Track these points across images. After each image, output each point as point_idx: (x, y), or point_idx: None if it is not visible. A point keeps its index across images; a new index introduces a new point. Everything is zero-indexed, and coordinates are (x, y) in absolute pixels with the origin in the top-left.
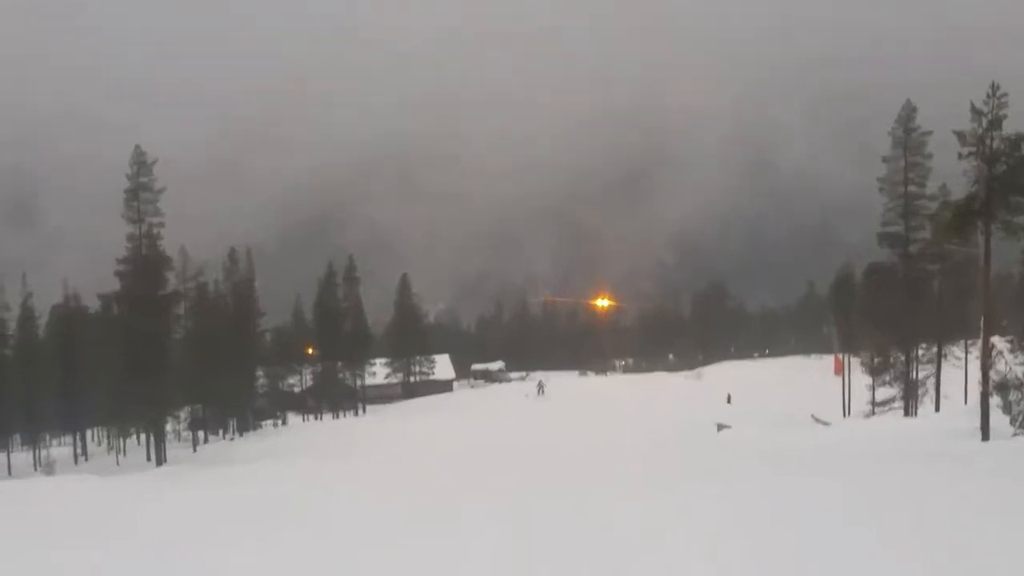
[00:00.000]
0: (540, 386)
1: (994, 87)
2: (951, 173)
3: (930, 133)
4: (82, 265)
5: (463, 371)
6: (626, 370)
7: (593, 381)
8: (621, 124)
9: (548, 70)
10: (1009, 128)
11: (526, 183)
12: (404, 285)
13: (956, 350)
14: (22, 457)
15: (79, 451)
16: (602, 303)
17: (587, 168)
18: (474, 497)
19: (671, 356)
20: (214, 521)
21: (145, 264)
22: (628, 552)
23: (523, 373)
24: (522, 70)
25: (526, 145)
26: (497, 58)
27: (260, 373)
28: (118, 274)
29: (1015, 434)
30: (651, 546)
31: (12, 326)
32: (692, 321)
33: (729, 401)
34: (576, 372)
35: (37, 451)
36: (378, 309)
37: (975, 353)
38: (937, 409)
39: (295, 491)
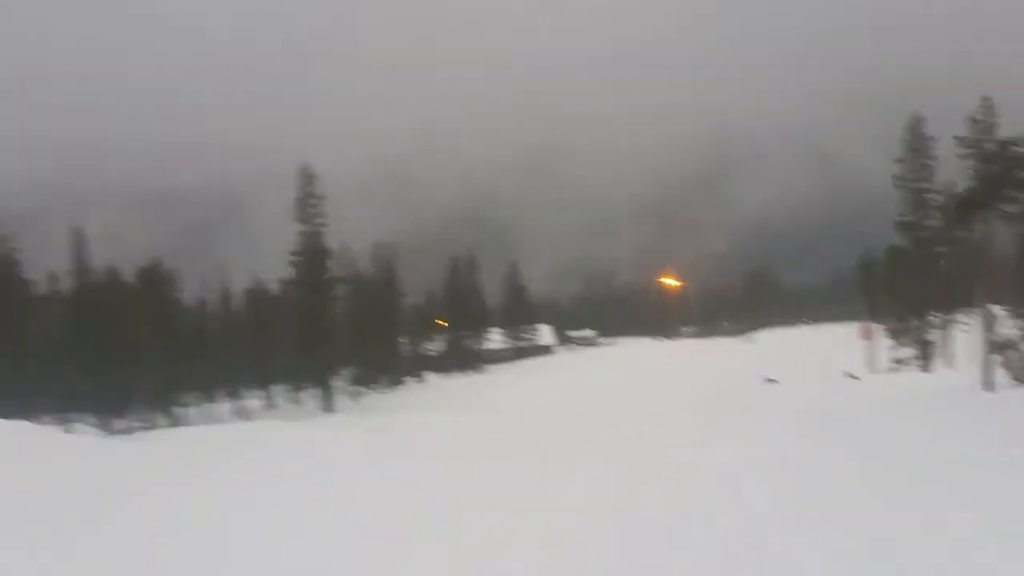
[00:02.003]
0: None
1: (986, 101)
2: (958, 167)
3: (933, 139)
4: (266, 257)
5: (561, 338)
6: (690, 336)
7: (664, 344)
8: (701, 146)
9: (639, 92)
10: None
11: (615, 187)
12: (514, 270)
13: (962, 317)
14: (225, 407)
15: (268, 402)
16: (670, 282)
17: (669, 174)
18: (570, 432)
19: (726, 324)
20: (369, 455)
21: (312, 255)
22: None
23: (608, 338)
24: (620, 89)
25: (616, 155)
26: (593, 80)
27: (404, 340)
28: (292, 264)
29: (1012, 385)
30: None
31: (214, 307)
32: (743, 296)
33: (768, 382)
34: (649, 338)
35: (235, 401)
36: (495, 287)
37: (979, 320)
38: (948, 365)
39: (429, 436)
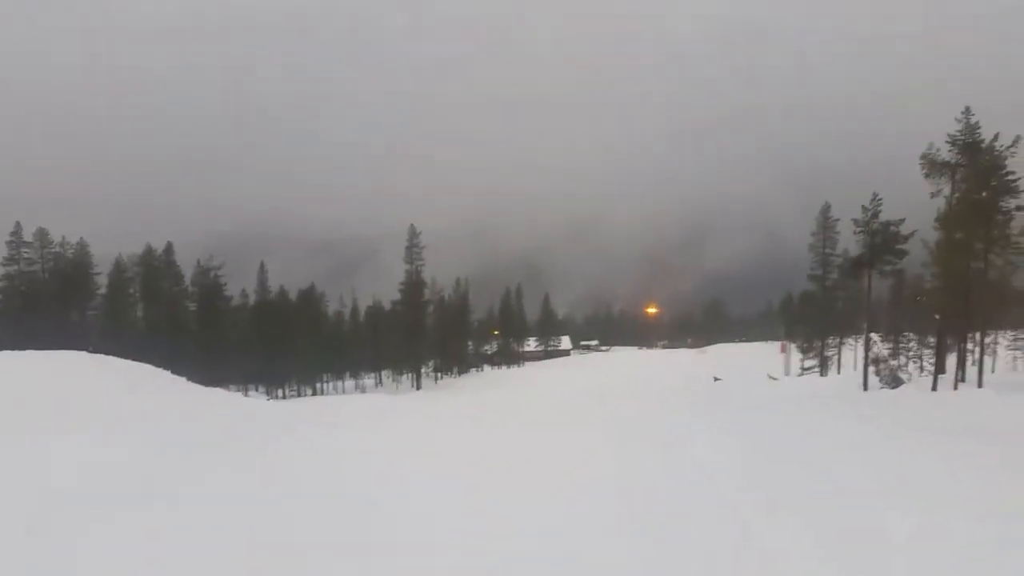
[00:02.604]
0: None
1: (875, 196)
2: (851, 238)
3: (838, 220)
4: (383, 286)
5: (576, 344)
6: (664, 347)
7: (644, 352)
8: (681, 216)
9: (641, 181)
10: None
11: (618, 243)
12: (546, 299)
13: (850, 340)
14: (349, 383)
15: (377, 381)
16: (651, 309)
17: (657, 235)
18: (573, 399)
19: (689, 339)
20: (445, 415)
21: (412, 285)
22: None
23: (607, 347)
24: (628, 178)
25: (621, 221)
26: (610, 171)
27: (470, 343)
28: (399, 290)
29: (881, 387)
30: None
31: (347, 317)
32: (701, 320)
33: (716, 380)
34: (636, 347)
35: (356, 380)
36: (534, 309)
37: (861, 342)
38: (838, 372)
39: (486, 400)
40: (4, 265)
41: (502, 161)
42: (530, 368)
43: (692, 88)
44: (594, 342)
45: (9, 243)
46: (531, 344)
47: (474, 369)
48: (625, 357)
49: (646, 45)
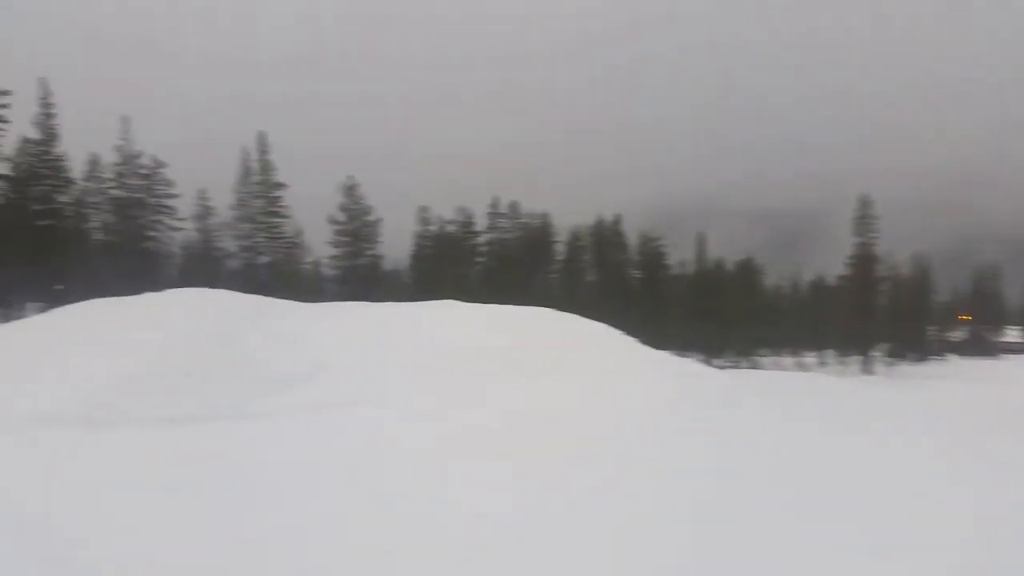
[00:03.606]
0: None
1: None
2: None
3: None
4: (826, 258)
5: None
6: None
7: None
8: None
9: None
10: None
11: None
12: None
13: None
14: (787, 360)
15: (820, 361)
16: None
17: None
18: None
19: None
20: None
21: (862, 260)
22: None
23: None
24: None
25: None
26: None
27: (932, 327)
28: (848, 265)
29: None
30: None
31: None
32: None
33: None
34: None
35: (795, 358)
36: (1016, 292)
37: None
38: None
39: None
40: (486, 232)
41: (982, 118)
42: (1009, 361)
43: None
44: None
45: (489, 214)
46: (1013, 334)
47: (934, 357)
48: None
49: None
